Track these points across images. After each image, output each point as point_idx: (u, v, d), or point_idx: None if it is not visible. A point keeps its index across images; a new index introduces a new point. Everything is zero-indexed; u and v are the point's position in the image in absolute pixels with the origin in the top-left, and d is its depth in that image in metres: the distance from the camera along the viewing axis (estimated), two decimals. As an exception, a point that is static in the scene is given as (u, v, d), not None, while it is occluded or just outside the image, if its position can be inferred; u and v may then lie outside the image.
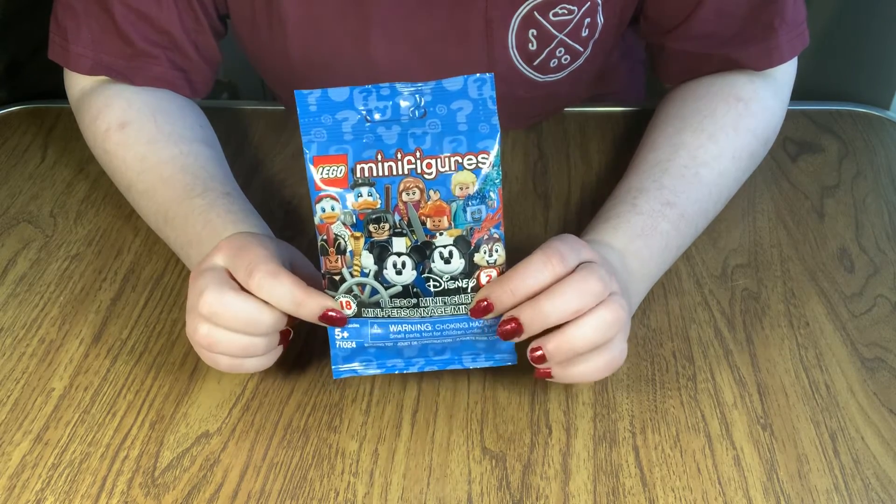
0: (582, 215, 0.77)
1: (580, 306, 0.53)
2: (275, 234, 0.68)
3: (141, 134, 0.73)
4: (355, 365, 0.57)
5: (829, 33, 1.00)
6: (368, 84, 0.79)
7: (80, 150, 0.84)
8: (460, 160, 0.53)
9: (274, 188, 0.82)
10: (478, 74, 0.53)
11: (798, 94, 0.80)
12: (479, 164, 0.54)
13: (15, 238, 0.76)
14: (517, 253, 0.73)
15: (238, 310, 0.55)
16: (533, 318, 0.53)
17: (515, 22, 0.76)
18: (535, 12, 0.75)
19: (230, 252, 0.56)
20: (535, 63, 0.78)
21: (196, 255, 0.66)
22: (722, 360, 0.64)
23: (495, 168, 0.54)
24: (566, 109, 0.92)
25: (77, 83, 0.78)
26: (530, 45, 0.77)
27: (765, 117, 0.74)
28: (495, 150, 0.54)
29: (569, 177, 0.83)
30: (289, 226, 0.76)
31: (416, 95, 0.53)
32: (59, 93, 0.82)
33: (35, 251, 0.75)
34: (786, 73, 0.77)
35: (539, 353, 0.55)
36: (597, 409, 0.60)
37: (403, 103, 0.53)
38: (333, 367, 0.57)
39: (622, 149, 0.85)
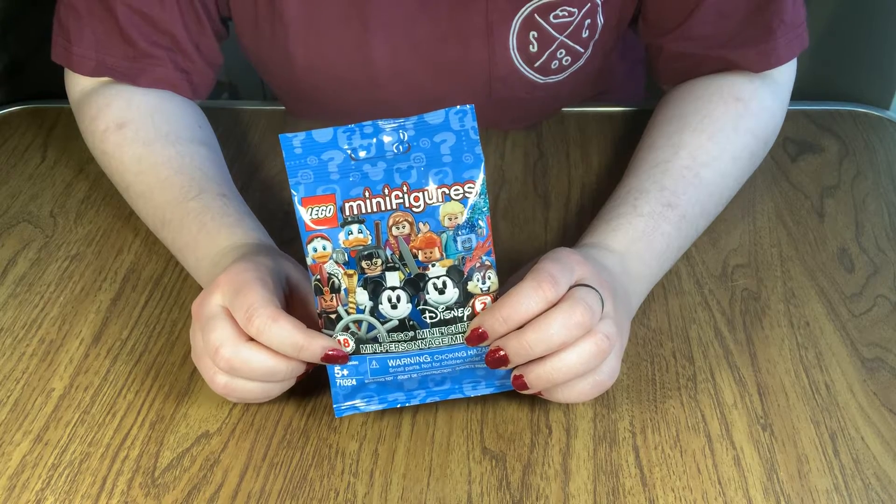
0: (582, 215, 0.77)
1: (565, 339, 0.53)
2: (274, 235, 0.68)
3: (138, 135, 0.73)
4: (357, 402, 0.57)
5: (829, 33, 1.00)
6: (369, 86, 0.80)
7: (80, 150, 0.84)
8: (447, 191, 0.54)
9: (274, 188, 0.82)
10: (458, 106, 0.54)
11: (798, 94, 0.80)
12: (466, 194, 0.54)
13: (15, 238, 0.76)
14: (516, 254, 0.73)
15: (258, 363, 0.55)
16: (518, 350, 0.54)
17: (516, 24, 0.76)
18: (536, 14, 0.75)
19: (229, 291, 0.55)
20: (536, 64, 0.78)
21: (192, 260, 0.66)
22: (722, 360, 0.64)
23: (482, 196, 0.54)
24: (566, 109, 0.92)
25: (77, 83, 0.78)
26: (531, 46, 0.77)
27: (764, 117, 0.74)
28: (481, 178, 0.54)
29: (569, 177, 0.83)
30: (289, 226, 0.76)
31: (399, 131, 0.54)
32: (59, 93, 0.82)
33: (35, 251, 0.75)
34: (785, 74, 0.77)
35: (521, 380, 0.56)
36: (597, 409, 0.60)
37: (387, 139, 0.54)
38: (335, 405, 0.57)
39: (622, 149, 0.85)
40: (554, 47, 0.77)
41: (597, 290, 0.55)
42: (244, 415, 0.60)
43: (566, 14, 0.75)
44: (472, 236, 0.54)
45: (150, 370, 0.64)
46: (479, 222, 0.54)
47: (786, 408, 0.60)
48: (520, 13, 0.75)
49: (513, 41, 0.77)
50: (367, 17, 0.76)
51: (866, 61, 0.98)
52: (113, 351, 0.65)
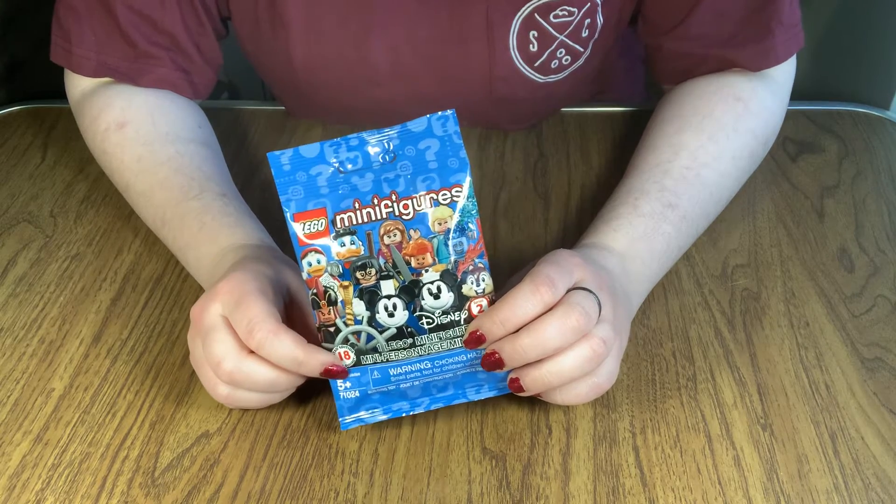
0: (582, 215, 0.78)
1: (560, 344, 0.53)
2: (274, 235, 0.68)
3: (139, 134, 0.73)
4: (361, 414, 0.57)
5: (829, 33, 1.00)
6: (369, 86, 0.80)
7: (80, 150, 0.84)
8: (435, 197, 0.54)
9: (274, 188, 0.81)
10: (440, 112, 0.55)
11: (798, 94, 0.81)
12: (454, 198, 0.54)
13: (15, 238, 0.76)
14: (517, 254, 0.73)
15: (260, 376, 0.55)
16: (513, 354, 0.54)
17: (516, 24, 0.76)
18: (536, 14, 0.75)
19: (230, 302, 0.55)
20: (536, 64, 0.78)
21: (193, 259, 0.66)
22: (722, 360, 0.64)
23: (470, 200, 0.55)
24: (566, 109, 0.92)
25: (77, 84, 0.78)
26: (531, 46, 0.77)
27: (764, 117, 0.74)
28: (467, 182, 0.55)
29: (569, 177, 0.83)
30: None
31: (384, 141, 0.55)
32: (59, 93, 0.82)
33: (35, 251, 0.75)
34: (784, 73, 0.77)
35: (517, 383, 0.56)
36: (597, 409, 0.60)
37: (372, 150, 0.55)
38: (340, 419, 0.57)
39: (622, 149, 0.85)
40: (554, 47, 0.77)
41: (594, 294, 0.55)
42: (244, 415, 0.60)
43: (566, 14, 0.75)
44: (463, 239, 0.55)
45: (150, 370, 0.64)
46: (469, 225, 0.55)
47: (786, 408, 0.60)
48: (520, 13, 0.75)
49: (513, 41, 0.77)
50: (367, 17, 0.76)
51: (866, 61, 0.98)
52: (113, 351, 0.65)
